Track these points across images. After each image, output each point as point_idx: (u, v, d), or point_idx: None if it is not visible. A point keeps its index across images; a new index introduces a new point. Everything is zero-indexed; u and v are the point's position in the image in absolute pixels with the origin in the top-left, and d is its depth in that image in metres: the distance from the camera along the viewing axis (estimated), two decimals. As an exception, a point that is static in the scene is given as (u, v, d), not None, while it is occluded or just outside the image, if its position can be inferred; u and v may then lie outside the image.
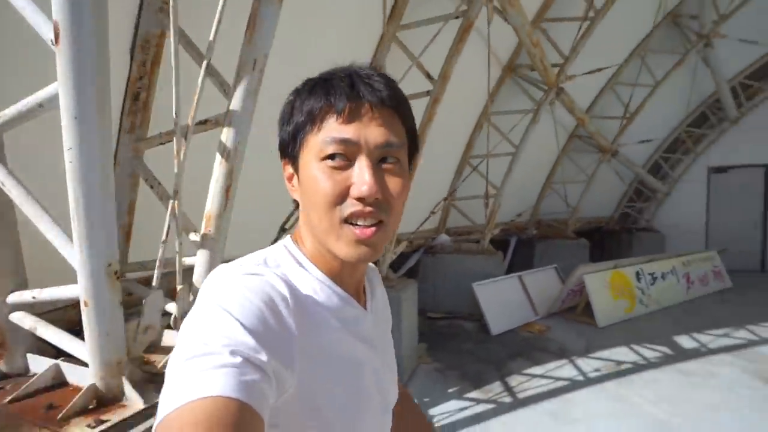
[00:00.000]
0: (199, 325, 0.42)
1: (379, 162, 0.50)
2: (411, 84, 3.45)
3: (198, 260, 1.76)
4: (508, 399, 3.18)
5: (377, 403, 0.58)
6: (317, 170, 0.49)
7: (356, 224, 0.48)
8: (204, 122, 1.70)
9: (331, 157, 0.48)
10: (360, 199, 0.47)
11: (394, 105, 0.51)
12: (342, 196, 0.48)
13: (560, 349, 4.21)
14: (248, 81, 1.56)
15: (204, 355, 0.38)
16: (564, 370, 3.70)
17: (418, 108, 3.44)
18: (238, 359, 0.38)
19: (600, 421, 2.84)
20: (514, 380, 3.51)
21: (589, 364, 3.81)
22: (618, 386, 3.38)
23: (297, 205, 0.56)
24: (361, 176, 0.47)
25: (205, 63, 1.39)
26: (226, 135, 1.62)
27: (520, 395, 3.23)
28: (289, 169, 0.55)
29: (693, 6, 6.38)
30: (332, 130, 0.48)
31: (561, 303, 5.41)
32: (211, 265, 1.76)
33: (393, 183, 0.50)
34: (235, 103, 1.59)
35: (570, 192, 7.69)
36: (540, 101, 5.32)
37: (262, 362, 0.40)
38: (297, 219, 2.21)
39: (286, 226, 2.12)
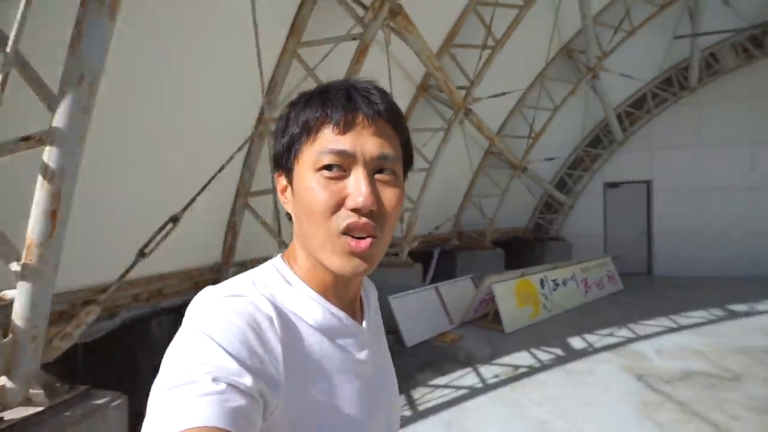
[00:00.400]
0: (180, 353, 0.41)
1: (374, 173, 0.49)
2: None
3: (18, 294, 1.55)
4: (408, 413, 3.21)
5: (379, 421, 0.56)
6: (312, 181, 0.48)
7: (351, 236, 0.47)
8: (27, 138, 1.52)
9: (327, 167, 0.48)
10: (355, 210, 0.47)
11: (391, 118, 0.51)
12: (337, 206, 0.47)
13: (468, 357, 4.39)
14: (74, 97, 1.43)
15: (185, 384, 0.37)
16: (467, 378, 3.85)
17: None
18: (222, 386, 0.37)
19: (488, 427, 2.98)
20: (418, 392, 3.57)
21: (490, 371, 4.01)
22: (512, 390, 3.58)
23: (290, 218, 0.55)
24: (357, 187, 0.47)
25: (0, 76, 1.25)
26: (49, 154, 1.46)
27: (421, 407, 3.29)
28: (283, 181, 0.55)
29: (582, 42, 7.25)
30: (328, 140, 0.48)
31: (474, 312, 5.68)
32: (36, 299, 1.56)
33: (388, 194, 0.50)
34: (60, 120, 1.44)
35: (488, 204, 8.22)
36: (450, 120, 5.64)
37: (246, 387, 0.39)
38: (159, 243, 2.05)
39: (146, 250, 1.96)
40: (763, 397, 3.25)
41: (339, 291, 0.54)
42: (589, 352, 4.46)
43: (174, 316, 3.52)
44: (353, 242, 0.47)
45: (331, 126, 0.48)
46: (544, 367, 4.07)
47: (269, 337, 0.44)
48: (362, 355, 0.55)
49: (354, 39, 3.28)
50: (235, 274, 0.61)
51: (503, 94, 6.05)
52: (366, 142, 0.49)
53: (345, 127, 0.48)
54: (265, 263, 0.56)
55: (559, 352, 4.45)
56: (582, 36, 6.99)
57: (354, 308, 0.58)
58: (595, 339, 4.83)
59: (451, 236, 8.07)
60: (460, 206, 8.08)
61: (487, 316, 5.63)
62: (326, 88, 0.52)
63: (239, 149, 2.50)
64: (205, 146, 3.15)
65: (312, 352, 0.49)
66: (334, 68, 3.44)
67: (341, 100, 0.49)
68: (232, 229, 3.77)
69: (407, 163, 0.56)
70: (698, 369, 3.84)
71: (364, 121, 0.49)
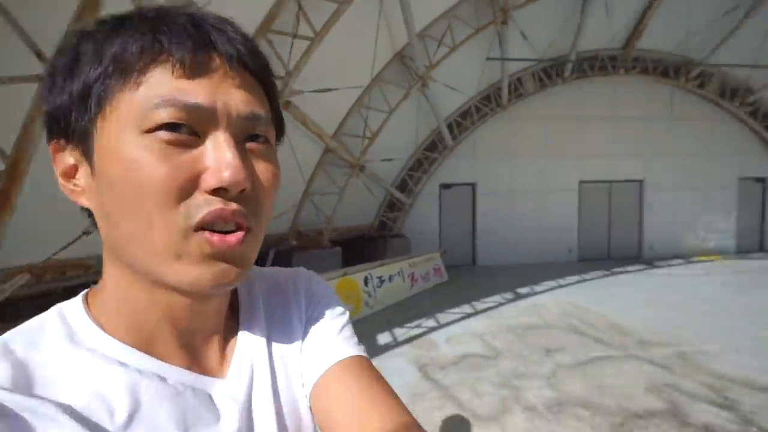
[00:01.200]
0: None
1: (242, 141, 0.35)
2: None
3: None
4: None
5: None
6: (140, 148, 0.31)
7: (212, 231, 0.32)
8: None
9: (170, 127, 0.31)
10: (218, 192, 0.32)
11: (258, 67, 0.36)
12: (186, 189, 0.32)
13: (267, 368, 4.07)
14: None
15: None
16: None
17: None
18: None
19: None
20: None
21: (283, 381, 3.75)
22: (295, 400, 3.38)
23: (91, 216, 0.36)
24: (221, 156, 0.32)
25: None
26: None
27: None
28: (68, 158, 0.35)
29: (412, 50, 7.72)
30: (165, 86, 0.31)
31: (294, 315, 5.42)
32: None
33: (264, 169, 0.36)
34: None
35: (332, 203, 8.13)
36: (267, 112, 5.22)
37: None
38: None
39: None
40: (509, 371, 3.77)
41: (179, 327, 0.36)
42: (391, 346, 4.62)
43: None
44: (216, 238, 0.32)
45: (169, 65, 0.31)
46: (341, 368, 4.01)
47: None
48: (220, 426, 0.36)
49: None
50: None
51: (328, 90, 5.94)
52: (229, 94, 0.33)
53: (195, 70, 0.32)
54: (51, 309, 0.36)
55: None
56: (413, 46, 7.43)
57: (207, 350, 0.39)
58: (402, 332, 5.08)
59: (289, 236, 7.71)
60: (298, 205, 7.78)
61: (308, 319, 5.43)
62: (155, 11, 0.33)
63: None
64: None
65: None
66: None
67: (187, 28, 0.32)
68: None
69: (278, 132, 0.40)
70: (472, 352, 4.31)
71: (225, 66, 0.33)
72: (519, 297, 6.74)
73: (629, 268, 9.35)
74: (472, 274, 9.31)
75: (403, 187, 10.14)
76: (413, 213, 10.38)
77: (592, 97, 10.70)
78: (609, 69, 10.24)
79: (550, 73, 10.29)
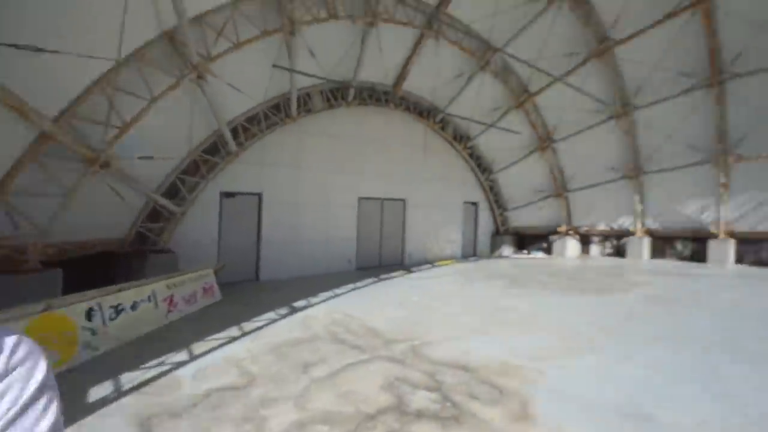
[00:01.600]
0: None
1: None
2: None
3: None
4: None
5: None
6: None
7: None
8: None
9: None
10: None
11: None
12: None
13: None
14: None
15: None
16: None
17: None
18: None
19: None
20: None
21: None
22: None
23: None
24: None
25: None
26: None
27: None
28: None
29: (188, 34, 6.65)
30: None
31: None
32: None
33: None
34: None
35: (46, 209, 5.91)
36: None
37: None
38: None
39: None
40: (258, 400, 3.46)
41: None
42: (110, 400, 3.54)
43: None
44: None
45: None
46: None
47: None
48: None
49: None
50: None
51: (39, 50, 4.27)
52: None
53: None
54: None
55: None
56: (183, 28, 6.38)
57: None
58: (134, 377, 4.01)
59: (-41, 254, 5.12)
60: (-17, 207, 5.30)
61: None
62: None
63: None
64: None
65: None
66: None
67: None
68: None
69: None
70: (221, 384, 3.78)
71: None
72: (294, 311, 6.65)
73: (393, 274, 10.93)
74: (252, 291, 8.71)
75: (173, 192, 8.59)
76: (187, 224, 8.92)
77: (371, 123, 12.15)
78: (383, 101, 11.88)
79: (337, 94, 11.06)
